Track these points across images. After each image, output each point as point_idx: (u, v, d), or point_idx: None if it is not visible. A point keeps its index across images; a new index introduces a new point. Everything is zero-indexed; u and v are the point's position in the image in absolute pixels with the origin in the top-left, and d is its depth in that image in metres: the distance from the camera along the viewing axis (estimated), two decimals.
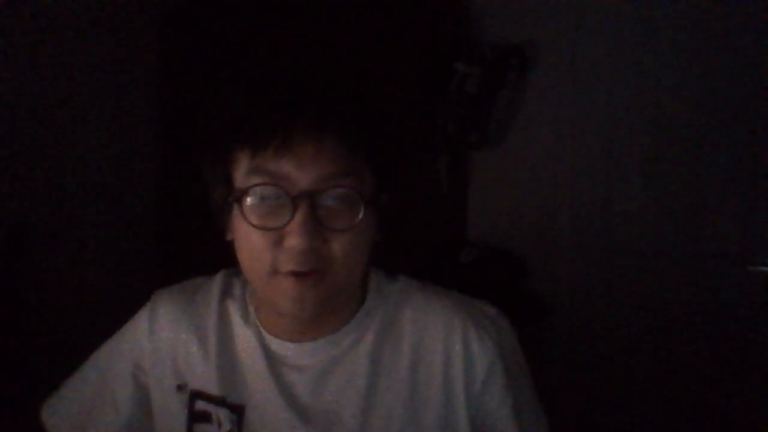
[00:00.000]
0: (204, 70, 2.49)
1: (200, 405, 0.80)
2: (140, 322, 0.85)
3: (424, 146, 2.23)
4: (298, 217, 0.68)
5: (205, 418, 0.80)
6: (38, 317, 2.06)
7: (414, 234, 2.00)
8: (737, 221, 1.91)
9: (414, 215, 2.04)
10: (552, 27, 2.15)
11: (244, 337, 0.81)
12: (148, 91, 2.53)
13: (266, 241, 0.70)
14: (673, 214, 2.00)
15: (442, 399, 0.76)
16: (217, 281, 0.86)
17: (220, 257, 0.79)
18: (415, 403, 0.76)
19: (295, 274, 0.69)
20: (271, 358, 0.79)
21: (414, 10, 2.26)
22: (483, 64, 2.14)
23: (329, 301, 0.72)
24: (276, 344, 0.79)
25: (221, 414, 0.79)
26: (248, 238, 0.71)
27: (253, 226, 0.69)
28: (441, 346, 0.77)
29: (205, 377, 0.80)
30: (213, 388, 0.80)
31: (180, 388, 0.81)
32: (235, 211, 0.71)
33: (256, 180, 0.69)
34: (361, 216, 0.70)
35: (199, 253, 1.29)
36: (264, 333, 0.80)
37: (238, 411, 0.79)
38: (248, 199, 0.70)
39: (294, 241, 0.68)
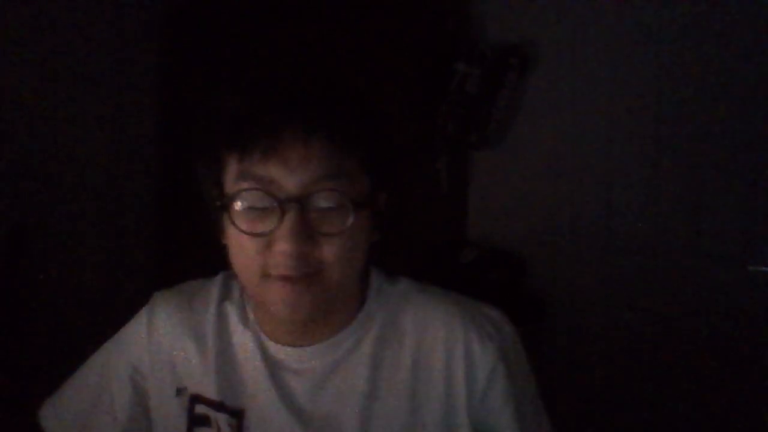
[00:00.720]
0: (198, 72, 2.49)
1: (200, 409, 0.79)
2: (139, 325, 0.84)
3: (423, 146, 2.23)
4: (287, 221, 0.67)
5: (204, 422, 0.79)
6: (38, 317, 2.05)
7: (414, 234, 2.00)
8: (737, 221, 1.91)
9: (414, 215, 2.03)
10: (552, 27, 2.15)
11: (242, 341, 0.80)
12: (149, 92, 2.52)
13: (256, 245, 0.69)
14: (673, 214, 2.00)
15: (443, 403, 0.75)
16: (217, 284, 0.85)
17: (220, 259, 0.79)
18: (416, 406, 0.76)
19: (287, 279, 0.68)
20: (270, 362, 0.78)
21: (414, 10, 2.25)
22: (483, 64, 2.14)
23: (324, 303, 0.72)
24: (275, 348, 0.78)
25: (220, 418, 0.78)
26: (239, 243, 0.70)
27: (242, 231, 0.69)
28: (442, 349, 0.76)
29: (203, 381, 0.79)
30: (211, 393, 0.79)
31: (179, 391, 0.80)
32: (226, 216, 0.71)
33: (244, 185, 0.69)
34: (352, 219, 0.69)
35: (199, 254, 1.28)
36: (263, 337, 0.79)
37: (237, 415, 0.78)
38: (237, 204, 0.69)
39: (283, 246, 0.67)
